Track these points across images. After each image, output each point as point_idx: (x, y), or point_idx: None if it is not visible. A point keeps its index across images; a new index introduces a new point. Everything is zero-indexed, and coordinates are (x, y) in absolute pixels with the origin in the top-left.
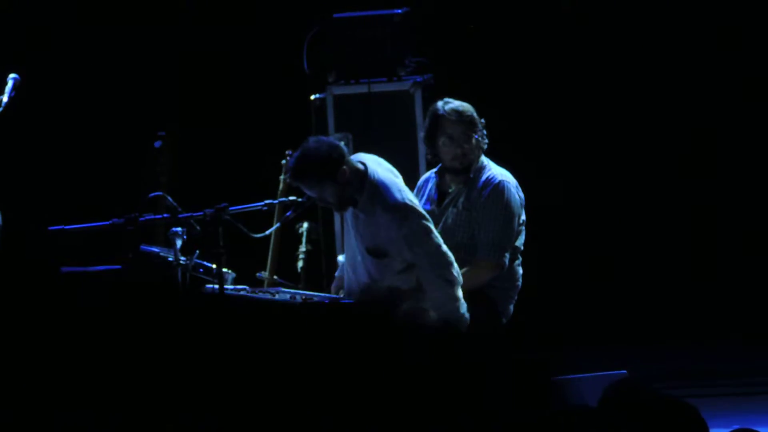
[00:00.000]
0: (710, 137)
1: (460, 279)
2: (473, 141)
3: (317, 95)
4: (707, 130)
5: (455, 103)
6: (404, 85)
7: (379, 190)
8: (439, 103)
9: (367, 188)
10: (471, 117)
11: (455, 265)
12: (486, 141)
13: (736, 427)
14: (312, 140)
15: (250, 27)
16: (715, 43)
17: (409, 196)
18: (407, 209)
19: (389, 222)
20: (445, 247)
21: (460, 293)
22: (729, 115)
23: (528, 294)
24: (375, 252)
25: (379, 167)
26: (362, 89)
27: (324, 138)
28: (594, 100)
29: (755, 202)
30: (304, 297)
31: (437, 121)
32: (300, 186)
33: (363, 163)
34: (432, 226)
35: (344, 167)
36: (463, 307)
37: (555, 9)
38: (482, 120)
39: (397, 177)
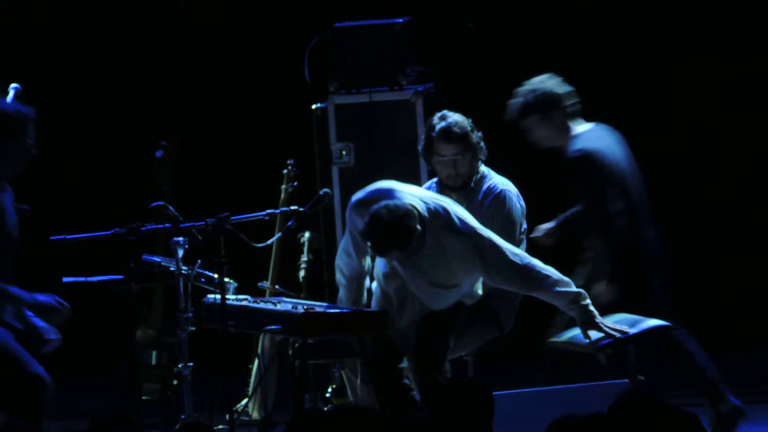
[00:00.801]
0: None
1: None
2: (466, 160)
3: (319, 104)
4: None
5: (449, 121)
6: (405, 95)
7: (442, 230)
8: (435, 120)
9: (428, 230)
10: (462, 136)
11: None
12: (484, 152)
13: None
14: (383, 206)
15: (251, 36)
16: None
17: (463, 215)
18: (473, 236)
19: (461, 253)
20: (515, 254)
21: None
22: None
23: (530, 305)
24: (442, 284)
25: (430, 201)
26: (364, 98)
27: (392, 204)
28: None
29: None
30: (306, 307)
31: (430, 141)
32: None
33: (417, 208)
34: (497, 241)
35: (417, 227)
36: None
37: (553, 15)
38: (479, 134)
39: (444, 201)
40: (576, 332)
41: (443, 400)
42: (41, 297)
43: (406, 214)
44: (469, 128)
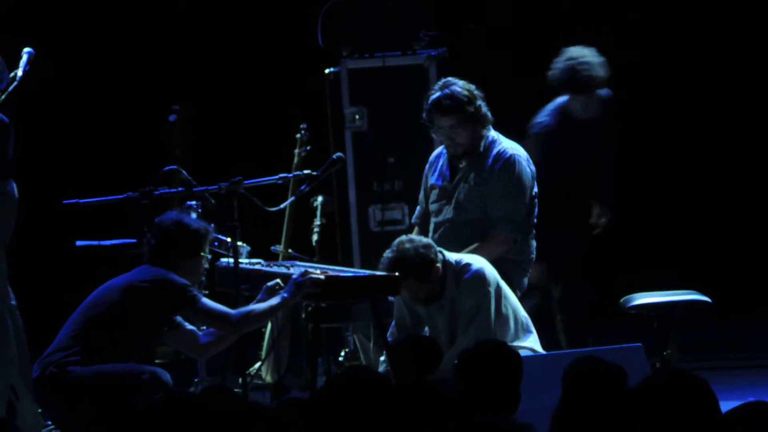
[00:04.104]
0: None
1: None
2: (465, 130)
3: (332, 69)
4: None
5: (444, 92)
6: (418, 59)
7: (458, 278)
8: (434, 88)
9: (449, 277)
10: (455, 108)
11: None
12: (489, 119)
13: (751, 399)
14: (406, 240)
15: (265, 1)
16: None
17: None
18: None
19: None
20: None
21: None
22: None
23: None
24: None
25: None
26: (377, 63)
27: (416, 238)
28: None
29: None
30: (319, 270)
31: (429, 112)
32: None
33: (441, 252)
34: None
35: (438, 265)
36: None
37: None
38: (480, 103)
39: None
40: None
41: (472, 361)
42: None
43: (425, 246)
44: (466, 99)
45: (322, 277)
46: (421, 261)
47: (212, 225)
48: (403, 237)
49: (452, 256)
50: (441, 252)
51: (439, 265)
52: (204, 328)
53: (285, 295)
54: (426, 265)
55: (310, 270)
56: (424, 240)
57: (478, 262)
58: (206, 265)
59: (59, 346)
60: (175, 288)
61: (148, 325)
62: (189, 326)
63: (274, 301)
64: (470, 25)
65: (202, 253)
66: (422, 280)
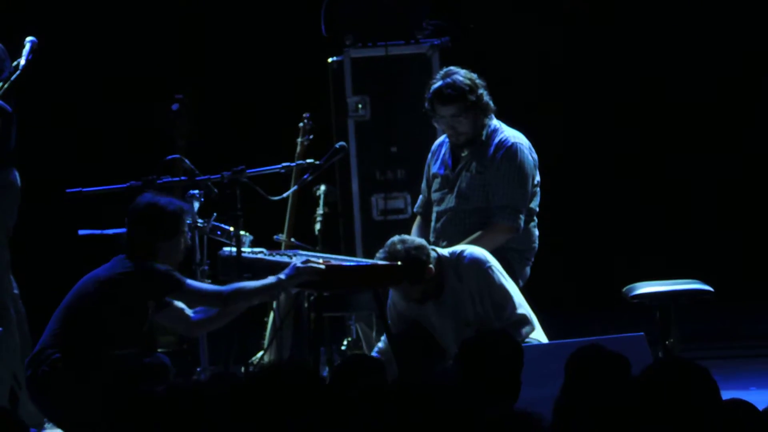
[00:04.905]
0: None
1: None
2: (467, 119)
3: (335, 58)
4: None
5: (446, 81)
6: (421, 48)
7: (457, 269)
8: (436, 77)
9: (447, 272)
10: (457, 97)
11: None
12: (491, 108)
13: (753, 389)
14: (398, 241)
15: None
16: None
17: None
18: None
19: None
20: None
21: None
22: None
23: (545, 255)
24: (469, 322)
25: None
26: (380, 52)
27: (408, 239)
28: (616, 56)
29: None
30: (321, 260)
31: (431, 101)
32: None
33: (435, 250)
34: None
35: (430, 266)
36: None
37: None
38: (482, 92)
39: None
40: None
41: (473, 350)
42: None
43: (417, 247)
44: (467, 88)
45: (323, 266)
46: (411, 262)
47: (214, 214)
48: (396, 238)
49: (445, 251)
50: (434, 250)
51: (431, 265)
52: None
53: (282, 276)
54: (417, 266)
55: (312, 259)
56: (417, 241)
57: (470, 248)
58: (189, 242)
59: (46, 344)
60: (159, 276)
61: (134, 315)
62: (179, 304)
63: (269, 280)
64: (470, 25)
65: (180, 233)
66: (414, 281)
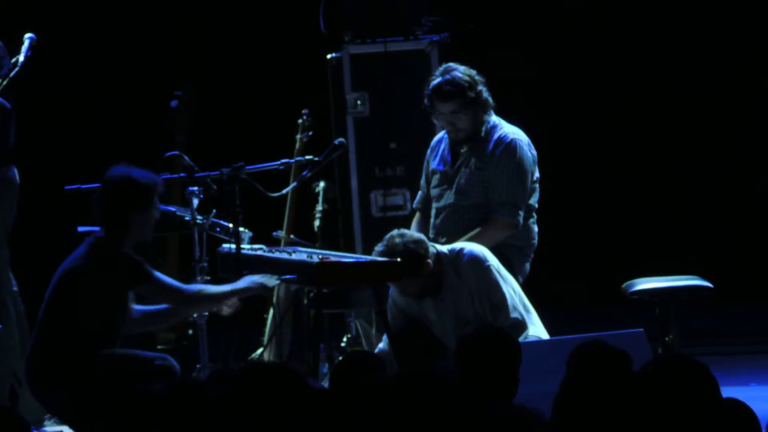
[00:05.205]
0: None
1: None
2: (467, 116)
3: (334, 54)
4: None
5: (445, 77)
6: (421, 44)
7: (456, 266)
8: (435, 74)
9: (446, 269)
10: (456, 93)
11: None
12: (490, 104)
13: (753, 385)
14: (396, 235)
15: None
16: None
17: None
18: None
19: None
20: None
21: None
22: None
23: (544, 251)
24: (469, 320)
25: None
26: (378, 48)
27: (407, 233)
28: (616, 56)
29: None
30: (320, 256)
31: (430, 98)
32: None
33: (434, 246)
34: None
35: (428, 261)
36: None
37: None
38: (481, 88)
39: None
40: None
41: (471, 348)
42: None
43: (416, 241)
44: (467, 84)
45: (277, 283)
46: (409, 256)
47: (213, 210)
48: (395, 231)
49: (445, 248)
50: (434, 246)
51: (430, 260)
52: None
53: (235, 286)
54: (415, 260)
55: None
56: (416, 235)
57: (469, 245)
58: (157, 216)
59: (38, 342)
60: (128, 265)
61: (111, 306)
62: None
63: (226, 287)
64: (470, 25)
65: (153, 206)
66: (411, 275)
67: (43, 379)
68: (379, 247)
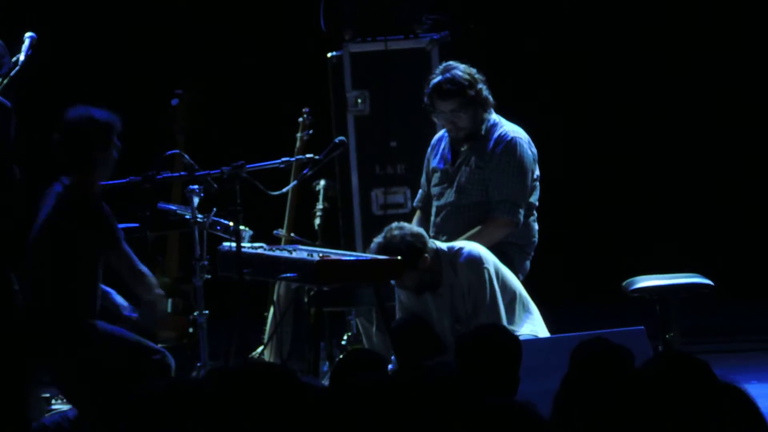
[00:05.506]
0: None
1: None
2: (467, 114)
3: (334, 53)
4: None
5: (445, 76)
6: (421, 43)
7: (453, 264)
8: (435, 72)
9: (444, 266)
10: (456, 92)
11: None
12: (491, 103)
13: (754, 382)
14: (395, 227)
15: None
16: None
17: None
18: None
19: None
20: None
21: None
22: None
23: (545, 249)
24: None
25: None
26: (379, 47)
27: (407, 226)
28: (616, 55)
29: None
30: (321, 254)
31: (430, 97)
32: None
33: (434, 243)
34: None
35: (426, 255)
36: None
37: None
38: (481, 86)
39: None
40: None
41: (471, 345)
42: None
43: (414, 234)
44: (467, 83)
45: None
46: (406, 249)
47: (214, 209)
48: (394, 224)
49: (444, 245)
50: (433, 242)
51: (427, 255)
52: None
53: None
54: (411, 253)
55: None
56: (416, 229)
57: (470, 245)
58: (116, 156)
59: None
60: (111, 227)
61: (89, 267)
62: None
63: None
64: (470, 25)
65: (113, 146)
66: (407, 267)
67: (39, 343)
68: (378, 239)
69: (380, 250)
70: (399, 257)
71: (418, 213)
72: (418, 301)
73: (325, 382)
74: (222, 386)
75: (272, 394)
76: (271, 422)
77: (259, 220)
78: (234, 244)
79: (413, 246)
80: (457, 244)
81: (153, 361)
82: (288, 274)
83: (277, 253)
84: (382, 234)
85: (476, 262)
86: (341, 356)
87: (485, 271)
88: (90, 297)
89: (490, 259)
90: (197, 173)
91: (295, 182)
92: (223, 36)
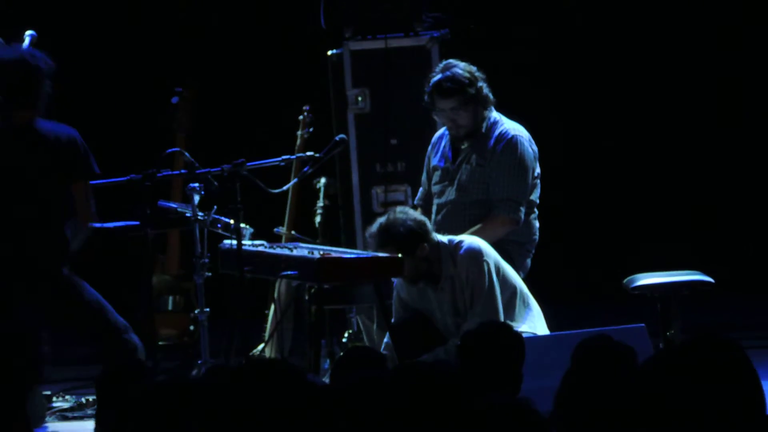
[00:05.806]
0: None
1: None
2: (467, 112)
3: (334, 51)
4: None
5: (445, 74)
6: (421, 40)
7: (453, 256)
8: (435, 70)
9: (444, 258)
10: (456, 90)
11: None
12: (491, 101)
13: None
14: (399, 211)
15: None
16: None
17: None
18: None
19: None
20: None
21: None
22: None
23: (546, 247)
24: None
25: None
26: (379, 44)
27: (410, 211)
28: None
29: None
30: (322, 252)
31: (430, 95)
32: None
33: (435, 235)
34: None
35: (425, 244)
36: None
37: None
38: (481, 84)
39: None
40: None
41: (474, 342)
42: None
43: (416, 221)
44: (467, 81)
45: None
46: (405, 232)
47: (215, 207)
48: (400, 207)
49: (445, 238)
50: (435, 235)
51: (426, 244)
52: None
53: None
54: (409, 237)
55: None
56: (420, 217)
57: (470, 239)
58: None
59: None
60: (85, 153)
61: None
62: None
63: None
64: (471, 26)
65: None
66: (403, 252)
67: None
68: (380, 219)
69: (381, 230)
70: (398, 253)
71: (419, 211)
72: (420, 297)
73: (326, 379)
74: (224, 382)
75: (278, 390)
76: (274, 418)
77: (259, 218)
78: (234, 242)
79: (413, 231)
80: (457, 238)
81: (121, 341)
82: (288, 272)
83: (278, 250)
84: (386, 214)
85: (476, 254)
86: (342, 354)
87: (485, 263)
88: (60, 238)
89: (491, 254)
90: (198, 171)
91: (295, 180)
92: (223, 34)
